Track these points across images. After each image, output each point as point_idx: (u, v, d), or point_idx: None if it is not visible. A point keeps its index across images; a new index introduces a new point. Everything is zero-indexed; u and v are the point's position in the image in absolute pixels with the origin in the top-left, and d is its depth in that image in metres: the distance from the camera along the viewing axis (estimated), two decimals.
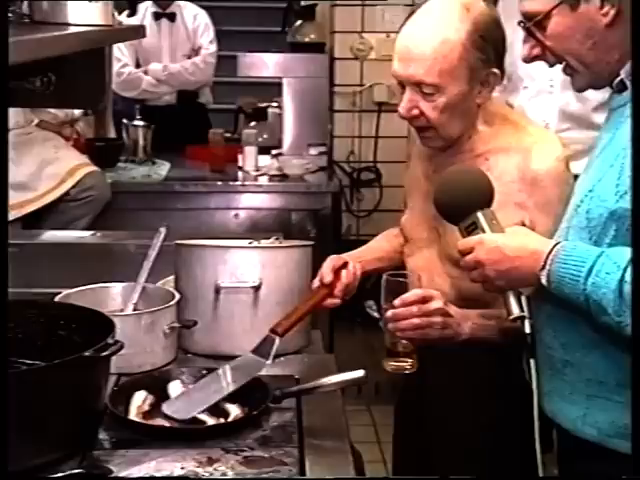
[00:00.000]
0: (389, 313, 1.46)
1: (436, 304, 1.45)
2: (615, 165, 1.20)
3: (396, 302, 1.45)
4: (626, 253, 1.15)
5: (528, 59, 1.31)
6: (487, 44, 1.47)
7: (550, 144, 1.54)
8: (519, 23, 1.28)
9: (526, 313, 1.29)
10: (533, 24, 1.25)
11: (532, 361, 1.28)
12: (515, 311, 1.29)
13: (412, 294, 1.46)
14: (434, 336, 1.46)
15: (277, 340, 1.52)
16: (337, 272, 1.64)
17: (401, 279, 1.50)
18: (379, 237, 1.85)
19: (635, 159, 1.11)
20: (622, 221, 1.19)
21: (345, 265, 1.65)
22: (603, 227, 1.21)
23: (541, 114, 2.50)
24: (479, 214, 1.31)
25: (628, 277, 1.13)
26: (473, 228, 1.31)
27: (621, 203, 1.18)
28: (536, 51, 1.28)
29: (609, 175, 1.21)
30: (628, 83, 1.22)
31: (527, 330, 1.28)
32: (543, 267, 1.22)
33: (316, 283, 1.64)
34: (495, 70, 1.50)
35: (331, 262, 1.65)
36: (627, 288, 1.13)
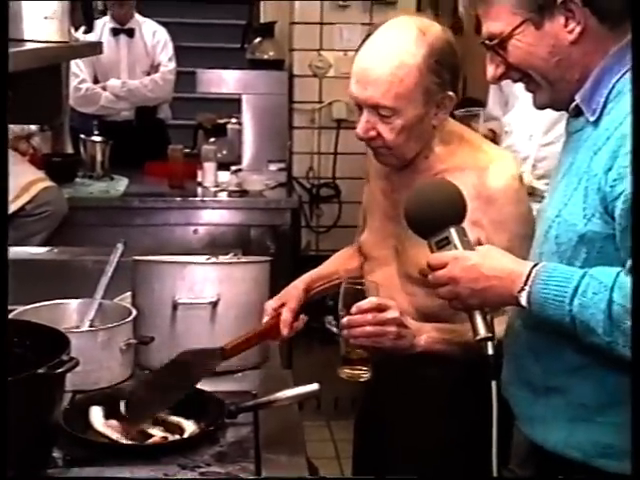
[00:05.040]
0: (344, 320, 1.47)
1: (392, 314, 1.46)
2: (579, 188, 1.22)
3: (352, 309, 1.46)
4: (611, 273, 1.16)
5: (494, 79, 1.32)
6: (442, 68, 1.50)
7: (505, 162, 1.57)
8: (482, 43, 1.29)
9: (492, 334, 1.26)
10: (497, 43, 1.26)
11: (494, 383, 1.25)
12: (482, 332, 1.26)
13: (368, 302, 1.47)
14: (387, 345, 1.47)
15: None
16: (278, 310, 1.65)
17: (359, 287, 1.51)
18: (332, 260, 1.83)
19: (635, 156, 1.12)
20: (592, 244, 1.20)
21: (283, 305, 1.66)
22: (573, 251, 1.22)
23: (527, 127, 2.54)
24: (452, 230, 1.28)
25: (616, 298, 1.14)
26: (445, 244, 1.28)
27: (590, 226, 1.19)
28: (500, 70, 1.29)
29: (574, 199, 1.22)
30: (583, 108, 1.24)
31: (490, 351, 1.26)
32: (522, 288, 1.20)
33: (265, 319, 1.66)
34: (450, 93, 1.52)
35: (272, 304, 1.66)
36: (616, 309, 1.13)
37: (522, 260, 1.27)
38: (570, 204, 1.23)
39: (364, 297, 1.48)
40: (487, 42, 1.28)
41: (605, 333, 1.15)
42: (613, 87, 1.22)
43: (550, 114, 2.47)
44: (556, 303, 1.18)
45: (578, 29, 1.22)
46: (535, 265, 1.22)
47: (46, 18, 1.49)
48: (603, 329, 1.15)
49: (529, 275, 1.21)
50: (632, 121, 1.13)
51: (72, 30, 1.81)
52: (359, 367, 1.52)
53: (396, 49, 1.49)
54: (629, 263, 1.15)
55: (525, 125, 2.55)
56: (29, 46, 1.46)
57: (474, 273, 1.24)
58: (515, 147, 2.53)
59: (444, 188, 1.35)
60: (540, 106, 1.33)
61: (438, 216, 1.30)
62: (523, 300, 1.21)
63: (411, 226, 1.34)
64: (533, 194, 2.21)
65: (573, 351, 1.23)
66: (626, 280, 1.14)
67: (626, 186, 1.14)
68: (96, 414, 1.44)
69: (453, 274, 1.25)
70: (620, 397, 1.21)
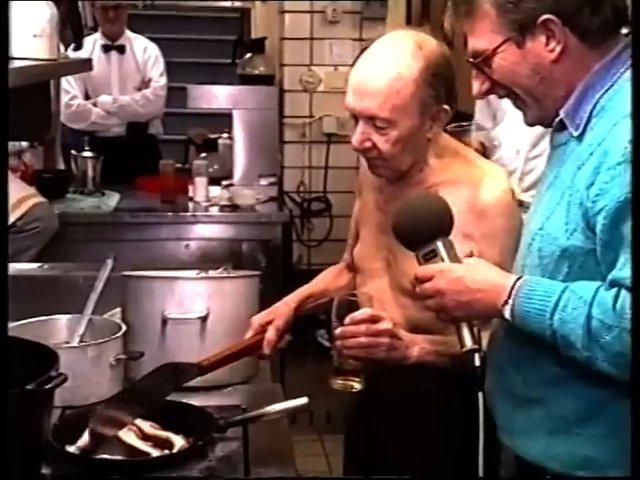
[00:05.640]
0: (338, 331, 1.48)
1: (385, 325, 1.47)
2: (562, 203, 1.23)
3: (346, 320, 1.47)
4: (591, 287, 1.17)
5: (479, 95, 1.34)
6: (438, 81, 1.51)
7: (497, 177, 1.58)
8: (467, 60, 1.31)
9: (478, 346, 1.27)
10: (481, 61, 1.28)
11: (480, 394, 1.26)
12: (468, 343, 1.27)
13: (361, 313, 1.48)
14: (380, 356, 1.48)
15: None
16: (265, 326, 1.66)
17: (352, 298, 1.52)
18: (320, 278, 1.84)
19: (635, 159, 1.13)
20: (574, 258, 1.21)
21: (271, 322, 1.66)
22: (555, 265, 1.23)
23: (514, 140, 2.56)
24: (439, 242, 1.29)
25: (595, 313, 1.15)
26: (432, 256, 1.29)
27: (572, 241, 1.20)
28: (486, 86, 1.31)
29: (557, 213, 1.23)
30: (567, 123, 1.26)
31: (477, 363, 1.27)
32: (506, 302, 1.22)
33: (249, 333, 1.66)
34: (445, 106, 1.54)
35: (258, 319, 1.67)
36: (595, 324, 1.15)
37: (507, 273, 1.28)
38: (553, 218, 1.24)
39: (357, 309, 1.49)
40: (472, 59, 1.30)
41: (584, 348, 1.16)
42: (597, 103, 1.23)
43: (537, 129, 2.50)
44: (538, 317, 1.19)
45: (559, 48, 1.23)
46: (519, 279, 1.23)
47: (35, 36, 1.50)
48: (582, 344, 1.16)
49: (512, 288, 1.22)
50: (632, 120, 1.14)
51: (62, 47, 1.83)
52: (352, 378, 1.52)
53: (393, 61, 1.50)
54: (610, 277, 1.17)
55: (512, 139, 2.57)
56: (18, 64, 1.46)
57: (459, 286, 1.25)
58: (503, 160, 2.55)
59: (431, 201, 1.37)
60: (530, 123, 1.35)
61: (425, 229, 1.31)
62: (507, 313, 1.23)
63: (399, 239, 1.36)
64: (521, 206, 2.23)
65: (554, 363, 1.24)
66: (605, 295, 1.16)
67: (607, 202, 1.15)
68: None
69: (439, 287, 1.26)
70: (599, 410, 1.23)
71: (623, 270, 1.14)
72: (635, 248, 1.12)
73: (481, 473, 1.26)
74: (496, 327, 1.35)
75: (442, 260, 1.29)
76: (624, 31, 1.26)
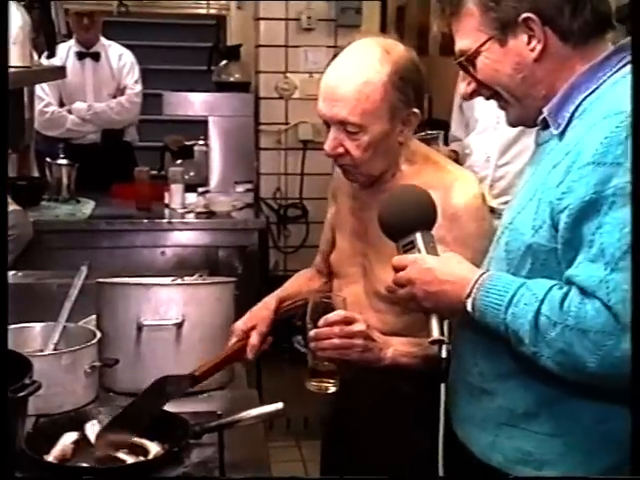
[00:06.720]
0: (312, 332, 1.49)
1: (358, 327, 1.49)
2: (533, 199, 1.24)
3: (320, 322, 1.48)
4: (545, 284, 1.19)
5: (466, 96, 1.36)
6: (407, 85, 1.53)
7: (468, 182, 1.61)
8: (455, 59, 1.33)
9: (445, 338, 1.30)
10: (465, 60, 1.30)
11: (443, 386, 1.28)
12: (435, 334, 1.29)
13: (335, 314, 1.49)
14: (354, 358, 1.49)
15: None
16: (247, 332, 1.67)
17: (327, 300, 1.53)
18: (293, 281, 1.85)
19: (635, 159, 1.14)
20: (537, 255, 1.22)
21: (253, 327, 1.68)
22: (520, 260, 1.25)
23: (484, 148, 2.61)
24: (418, 235, 1.32)
25: (544, 309, 1.17)
26: (410, 247, 1.32)
27: (536, 238, 1.22)
28: (472, 87, 1.33)
29: (527, 209, 1.25)
30: (550, 121, 1.28)
31: (443, 355, 1.29)
32: (469, 295, 1.24)
33: (232, 340, 1.67)
34: (415, 110, 1.56)
35: (241, 325, 1.68)
36: (543, 320, 1.17)
37: (476, 268, 1.31)
38: (523, 213, 1.26)
39: (331, 311, 1.50)
40: (457, 59, 1.32)
41: (531, 343, 1.18)
42: (580, 104, 1.25)
43: (506, 136, 2.56)
44: (494, 312, 1.22)
45: (539, 47, 1.25)
46: (484, 273, 1.26)
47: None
48: (529, 339, 1.18)
49: (476, 282, 1.25)
50: (632, 119, 1.15)
51: (35, 55, 1.82)
52: (326, 379, 1.53)
53: (361, 67, 1.52)
54: (565, 274, 1.18)
55: (482, 146, 2.62)
56: None
57: (429, 276, 1.28)
58: (474, 168, 2.59)
59: (417, 194, 1.39)
60: (512, 123, 1.37)
61: (406, 220, 1.34)
62: (468, 306, 1.25)
63: (382, 228, 1.38)
64: (492, 213, 2.26)
65: (507, 357, 1.26)
66: (557, 293, 1.17)
67: (572, 200, 1.17)
68: (69, 439, 1.44)
69: (410, 276, 1.29)
70: (545, 408, 1.25)
71: (578, 268, 1.16)
72: (635, 249, 1.12)
73: (440, 465, 1.27)
74: (462, 318, 1.37)
75: (419, 252, 1.32)
76: (609, 36, 1.28)
